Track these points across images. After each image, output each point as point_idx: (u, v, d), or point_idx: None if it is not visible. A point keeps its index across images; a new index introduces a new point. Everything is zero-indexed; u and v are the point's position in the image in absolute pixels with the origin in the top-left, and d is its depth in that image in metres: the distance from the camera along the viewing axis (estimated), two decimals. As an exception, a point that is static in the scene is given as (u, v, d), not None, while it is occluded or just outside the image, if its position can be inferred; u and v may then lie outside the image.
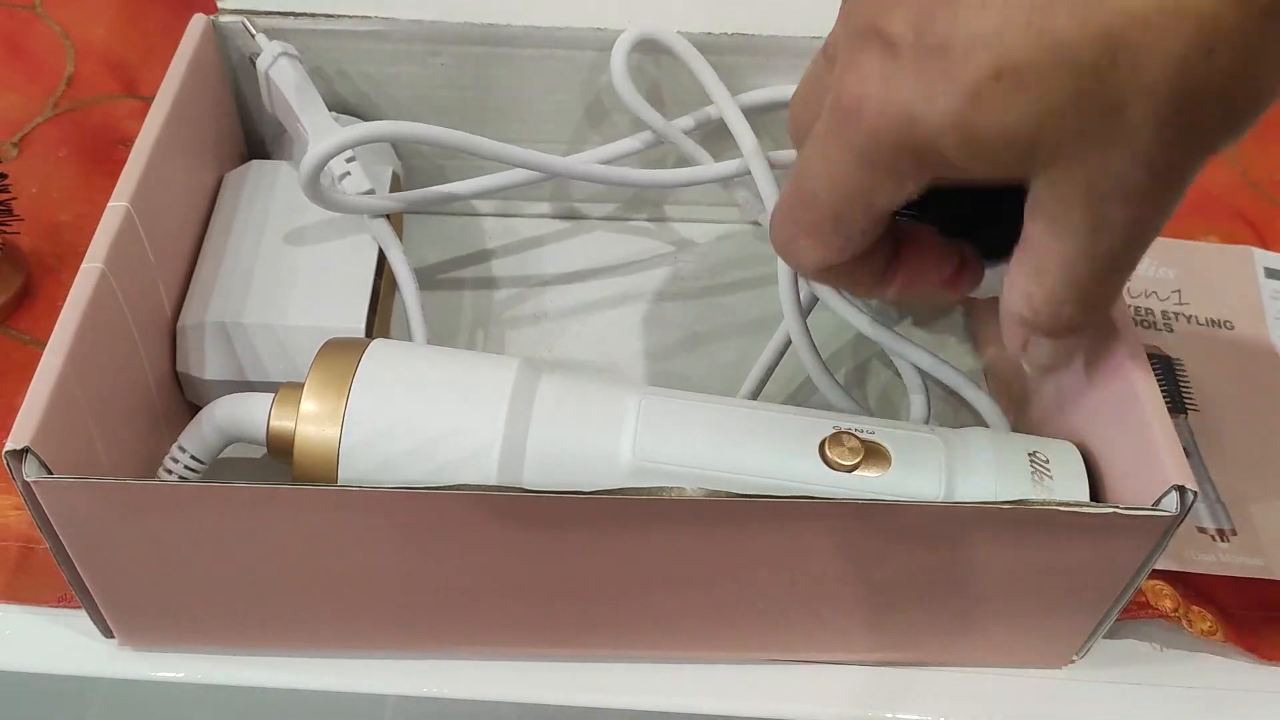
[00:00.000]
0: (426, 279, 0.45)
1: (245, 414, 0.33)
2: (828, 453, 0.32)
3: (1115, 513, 0.29)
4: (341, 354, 0.32)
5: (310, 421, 0.31)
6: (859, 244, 0.30)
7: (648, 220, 0.49)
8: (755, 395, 0.39)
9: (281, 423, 0.32)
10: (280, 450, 0.32)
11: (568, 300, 0.45)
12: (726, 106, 0.42)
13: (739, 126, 0.42)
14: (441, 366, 0.33)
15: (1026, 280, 0.28)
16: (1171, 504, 0.29)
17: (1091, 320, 0.29)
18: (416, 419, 0.31)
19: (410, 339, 0.39)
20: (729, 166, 0.42)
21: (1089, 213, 0.26)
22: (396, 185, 0.43)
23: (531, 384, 0.32)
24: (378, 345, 0.33)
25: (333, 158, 0.37)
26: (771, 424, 0.32)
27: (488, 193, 0.42)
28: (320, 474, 0.31)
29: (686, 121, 0.43)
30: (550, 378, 0.33)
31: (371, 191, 0.40)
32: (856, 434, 0.32)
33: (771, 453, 0.32)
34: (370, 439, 0.31)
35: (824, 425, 0.32)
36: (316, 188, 0.37)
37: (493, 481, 0.31)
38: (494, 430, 0.31)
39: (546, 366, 0.34)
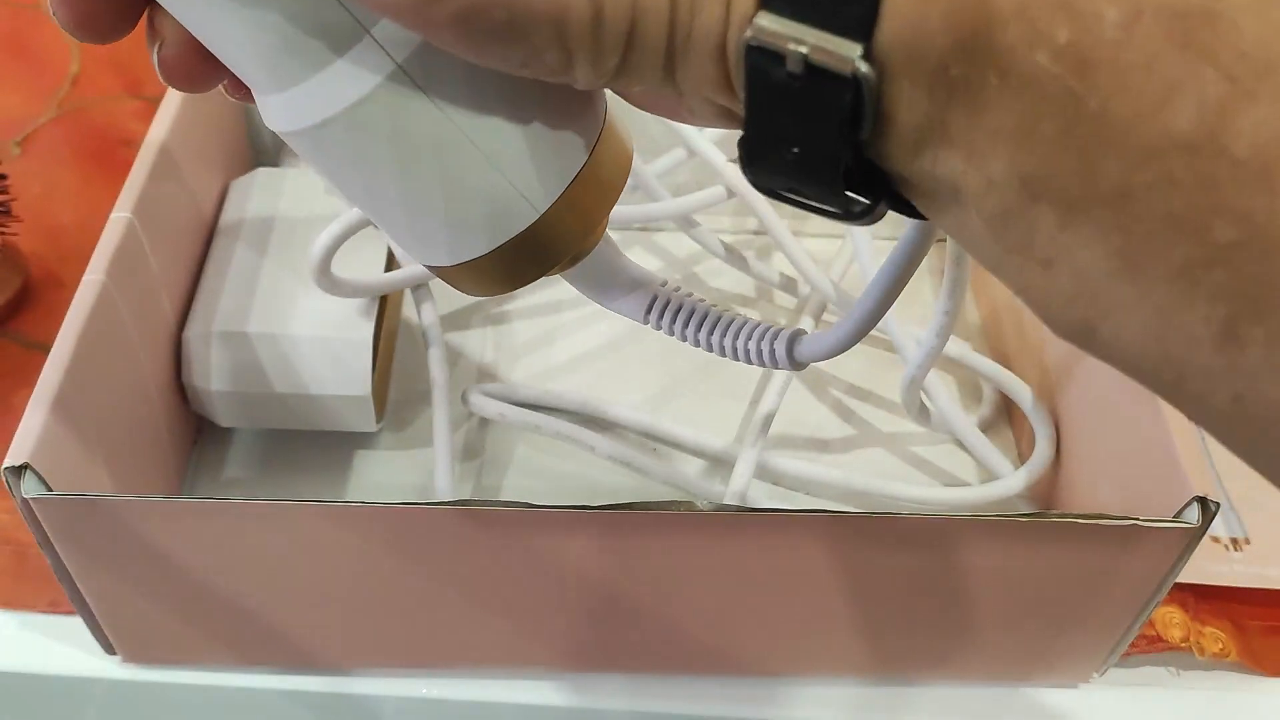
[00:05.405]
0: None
1: None
2: None
3: (1135, 524, 0.29)
4: None
5: None
6: None
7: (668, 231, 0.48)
8: (768, 423, 0.38)
9: None
10: None
11: (581, 321, 0.45)
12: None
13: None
14: None
15: None
16: (1193, 515, 0.29)
17: None
18: None
19: (427, 354, 0.39)
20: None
21: None
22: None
23: None
24: None
25: (339, 246, 0.35)
26: None
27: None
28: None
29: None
30: None
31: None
32: None
33: None
34: None
35: None
36: (328, 276, 0.36)
37: None
38: None
39: None
